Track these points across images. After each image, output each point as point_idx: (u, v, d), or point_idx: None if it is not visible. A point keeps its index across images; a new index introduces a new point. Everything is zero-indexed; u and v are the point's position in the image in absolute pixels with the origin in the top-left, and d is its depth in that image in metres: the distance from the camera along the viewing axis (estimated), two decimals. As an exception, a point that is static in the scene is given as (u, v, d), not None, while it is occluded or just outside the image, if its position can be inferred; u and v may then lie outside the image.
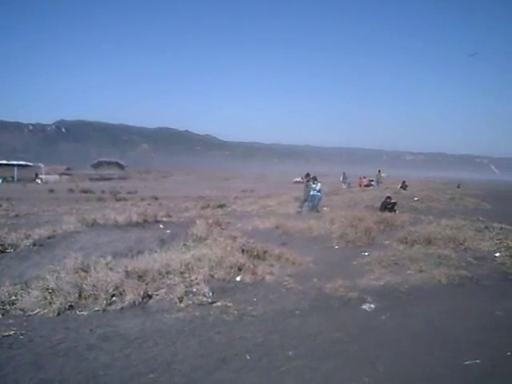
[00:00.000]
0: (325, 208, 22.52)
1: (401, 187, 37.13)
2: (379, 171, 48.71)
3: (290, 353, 5.38)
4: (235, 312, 6.97)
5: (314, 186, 22.26)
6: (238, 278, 8.68)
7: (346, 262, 10.58)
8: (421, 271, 9.25)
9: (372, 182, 50.28)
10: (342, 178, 54.27)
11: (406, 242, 11.95)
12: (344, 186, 50.59)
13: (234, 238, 11.09)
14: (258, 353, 5.41)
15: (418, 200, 27.03)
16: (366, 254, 11.18)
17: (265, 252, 10.32)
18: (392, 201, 21.95)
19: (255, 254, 10.08)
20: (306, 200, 22.34)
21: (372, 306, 7.23)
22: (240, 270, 8.93)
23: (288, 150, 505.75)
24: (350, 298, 7.56)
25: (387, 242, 12.44)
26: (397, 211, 20.50)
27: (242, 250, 10.03)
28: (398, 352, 5.45)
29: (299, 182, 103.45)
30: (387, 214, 17.17)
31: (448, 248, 11.19)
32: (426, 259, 10.03)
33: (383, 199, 22.47)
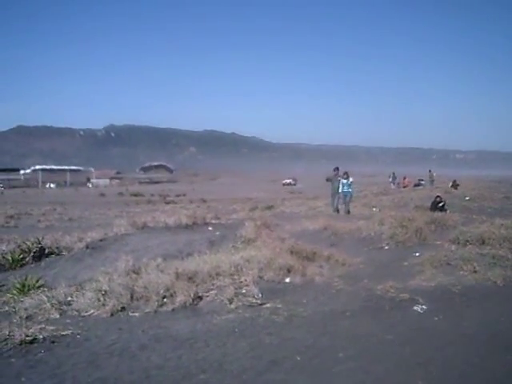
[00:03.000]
0: (374, 208, 22.22)
1: (451, 186, 36.44)
2: (430, 171, 47.90)
3: (341, 354, 5.32)
4: (285, 313, 6.94)
5: (344, 181, 21.12)
6: (288, 280, 8.66)
7: (396, 263, 10.42)
8: (474, 272, 8.98)
9: (421, 182, 49.44)
10: (390, 178, 53.49)
11: (458, 242, 11.64)
12: (393, 185, 49.96)
13: (283, 240, 11.10)
14: (308, 354, 5.37)
15: (469, 199, 26.41)
16: (417, 254, 10.98)
17: (314, 253, 10.28)
18: (442, 200, 21.50)
19: (304, 255, 10.05)
20: (333, 197, 21.52)
21: (424, 307, 7.08)
22: (289, 271, 8.91)
23: (335, 151, 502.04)
24: (401, 299, 7.41)
25: (438, 243, 12.16)
26: (448, 211, 20.04)
27: (291, 252, 10.02)
28: (453, 355, 5.31)
29: (288, 184, 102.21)
30: (438, 214, 16.78)
31: (503, 248, 10.80)
32: (479, 260, 9.75)
33: (433, 199, 22.03)
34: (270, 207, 26.00)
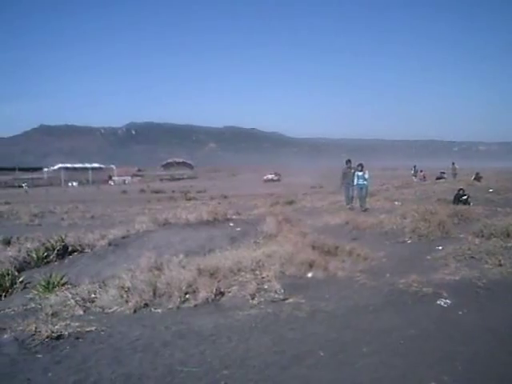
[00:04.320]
0: (396, 202, 21.99)
1: (474, 179, 35.98)
2: (453, 163, 47.38)
3: (364, 349, 5.29)
4: (307, 308, 6.93)
5: (359, 173, 20.13)
6: (310, 275, 8.64)
7: (419, 257, 10.32)
8: (499, 265, 8.82)
9: (443, 175, 48.94)
10: (412, 171, 53.02)
11: (483, 236, 11.48)
12: (415, 179, 49.55)
13: (305, 235, 11.07)
14: (331, 349, 5.35)
15: (493, 191, 26.02)
16: (440, 248, 10.86)
17: (336, 248, 10.24)
18: (465, 193, 21.25)
19: (326, 249, 10.02)
20: (347, 192, 20.66)
21: (448, 301, 6.99)
22: (311, 266, 8.88)
23: (356, 145, 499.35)
24: (424, 293, 7.32)
25: (462, 236, 12.01)
26: (471, 203, 19.81)
27: (313, 247, 9.99)
28: (478, 350, 5.24)
29: (271, 180, 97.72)
30: (461, 207, 16.61)
31: (529, 241, 10.64)
32: (504, 253, 9.59)
33: (456, 192, 21.78)
34: (290, 202, 25.92)
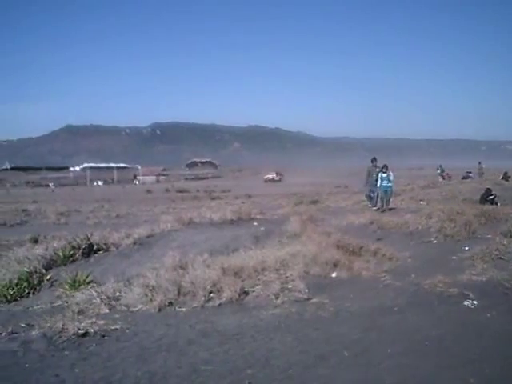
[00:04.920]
0: (421, 202, 21.77)
1: (502, 178, 35.50)
2: (479, 163, 46.78)
3: (389, 350, 5.25)
4: (332, 308, 6.91)
5: (383, 175, 19.47)
6: (334, 275, 8.61)
7: (445, 257, 10.19)
8: (529, 266, 8.70)
9: (470, 174, 48.39)
10: (438, 171, 52.49)
11: (511, 236, 11.32)
12: (440, 178, 49.09)
13: (329, 234, 11.04)
14: (355, 349, 5.32)
15: None
16: (467, 248, 10.72)
17: (360, 248, 10.19)
18: (493, 193, 20.94)
19: (350, 249, 9.98)
20: (371, 191, 20.13)
21: (475, 302, 6.90)
22: (335, 266, 8.85)
23: (380, 144, 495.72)
24: (450, 294, 7.24)
25: (489, 236, 11.82)
26: (498, 204, 19.50)
27: (337, 246, 9.96)
28: (506, 353, 5.15)
29: (272, 180, 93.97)
30: (488, 207, 16.36)
31: (559, 242, 10.43)
32: (534, 254, 9.44)
33: (483, 191, 21.48)
34: (315, 202, 25.84)
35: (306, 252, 9.22)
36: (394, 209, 19.10)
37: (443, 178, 48.82)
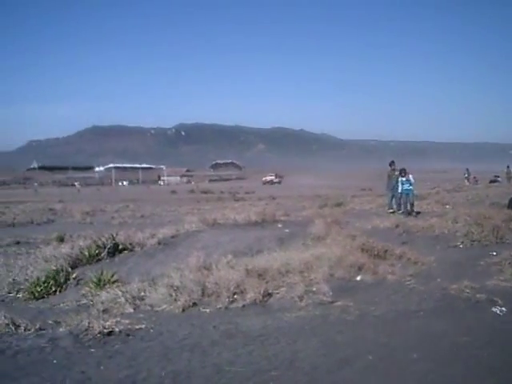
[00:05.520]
0: (447, 206, 21.50)
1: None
2: (508, 167, 46.11)
3: (415, 355, 5.18)
4: (356, 312, 6.87)
5: (403, 179, 19.06)
6: (359, 278, 8.56)
7: (471, 262, 10.03)
8: (560, 273, 8.52)
9: (497, 178, 47.77)
10: (465, 175, 51.84)
11: (541, 242, 11.09)
12: (467, 182, 48.54)
13: (354, 237, 10.97)
14: (380, 354, 5.26)
15: None
16: (494, 253, 10.53)
17: (385, 251, 10.10)
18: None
19: (375, 253, 9.89)
20: (393, 196, 19.82)
21: (503, 309, 6.76)
22: (360, 269, 8.80)
23: (405, 147, 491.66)
24: (477, 299, 7.13)
25: (518, 242, 11.63)
26: (528, 208, 19.14)
27: (362, 249, 9.89)
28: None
29: (270, 182, 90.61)
30: (517, 212, 16.06)
31: None
32: None
33: (511, 196, 21.10)
34: (339, 204, 25.68)
35: (331, 255, 9.19)
36: (419, 213, 18.89)
37: (469, 182, 48.31)
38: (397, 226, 14.42)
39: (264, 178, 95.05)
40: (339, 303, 7.32)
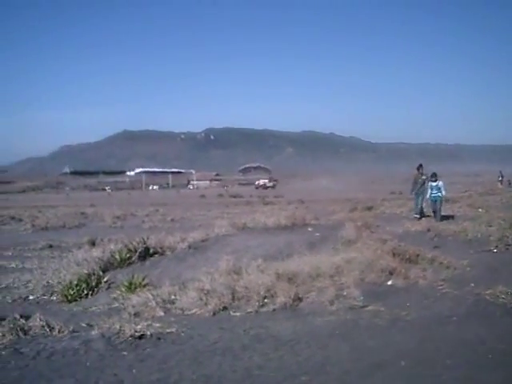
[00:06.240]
0: (480, 209, 21.16)
1: None
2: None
3: (448, 361, 5.09)
4: (388, 316, 6.80)
5: (433, 184, 18.60)
6: (390, 282, 8.48)
7: (506, 267, 9.80)
8: None
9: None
10: (499, 178, 50.95)
11: None
12: (500, 185, 47.73)
13: (384, 241, 10.87)
14: (413, 359, 5.19)
15: None
16: (530, 258, 10.33)
17: (417, 255, 9.96)
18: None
19: (407, 257, 9.77)
20: (418, 200, 19.21)
21: (541, 316, 6.62)
22: (391, 273, 8.71)
23: (437, 150, 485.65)
24: (513, 305, 7.01)
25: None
26: None
27: (393, 254, 9.78)
28: None
29: (262, 186, 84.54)
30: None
31: None
32: None
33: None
34: (369, 208, 25.50)
35: (362, 259, 9.12)
36: (451, 217, 18.63)
37: (502, 185, 47.55)
38: (428, 230, 14.27)
39: (257, 182, 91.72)
40: (370, 308, 7.25)
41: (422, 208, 19.34)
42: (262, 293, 7.64)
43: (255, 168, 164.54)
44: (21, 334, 6.00)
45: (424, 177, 19.43)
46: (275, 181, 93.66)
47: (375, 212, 23.52)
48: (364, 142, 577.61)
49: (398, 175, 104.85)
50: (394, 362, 5.17)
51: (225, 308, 7.47)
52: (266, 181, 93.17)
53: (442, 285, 8.40)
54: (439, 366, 4.99)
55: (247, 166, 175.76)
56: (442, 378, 4.73)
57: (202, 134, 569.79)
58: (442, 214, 18.51)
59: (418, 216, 18.76)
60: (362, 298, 7.57)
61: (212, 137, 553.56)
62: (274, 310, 7.35)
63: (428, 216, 18.77)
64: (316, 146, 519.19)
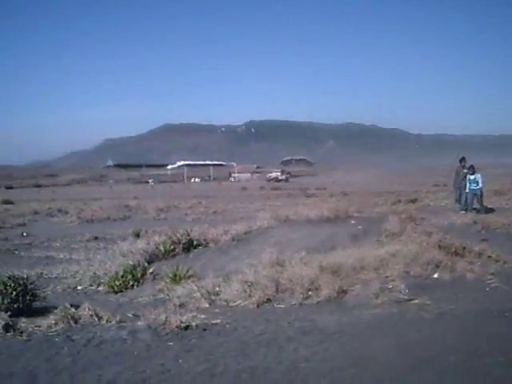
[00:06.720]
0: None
1: None
2: None
3: (501, 359, 4.91)
4: (434, 310, 6.67)
5: (471, 177, 18.47)
6: (436, 276, 8.31)
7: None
8: None
9: None
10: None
11: None
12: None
13: (429, 234, 10.67)
14: (462, 355, 5.04)
15: None
16: None
17: (463, 248, 9.73)
18: None
19: (453, 250, 9.57)
20: (461, 194, 18.99)
21: None
22: (437, 266, 8.53)
23: (483, 141, 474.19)
24: None
25: None
26: None
27: (439, 246, 9.59)
28: None
29: (274, 179, 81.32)
30: None
31: None
32: None
33: None
34: (413, 200, 25.16)
35: (406, 252, 8.98)
36: (499, 209, 18.22)
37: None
38: (475, 223, 13.99)
39: (269, 175, 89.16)
40: (416, 301, 7.13)
41: (466, 200, 18.90)
42: (305, 285, 7.61)
43: (297, 160, 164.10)
44: (72, 322, 6.21)
45: (465, 170, 19.19)
46: (288, 174, 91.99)
47: (419, 204, 23.21)
48: (407, 133, 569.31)
49: (441, 167, 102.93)
50: (442, 357, 5.05)
51: (269, 300, 7.47)
52: (279, 173, 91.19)
53: (490, 279, 8.18)
54: (491, 363, 4.83)
55: (289, 158, 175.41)
56: (494, 376, 4.59)
57: (243, 127, 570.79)
58: (488, 206, 18.15)
59: (464, 209, 18.41)
60: (407, 291, 7.47)
61: (252, 129, 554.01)
62: (318, 302, 7.32)
63: (474, 209, 18.38)
64: (357, 138, 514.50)
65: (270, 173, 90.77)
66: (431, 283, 8.05)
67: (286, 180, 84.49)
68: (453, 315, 6.52)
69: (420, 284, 7.91)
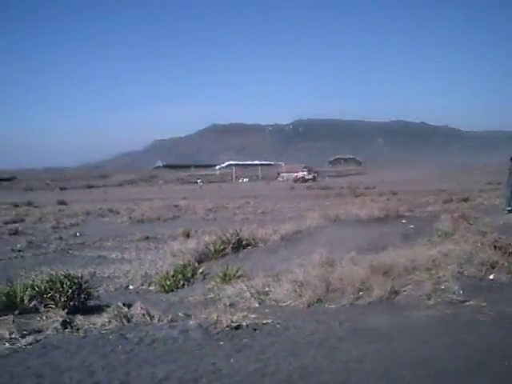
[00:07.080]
0: None
1: None
2: None
3: None
4: (491, 313, 6.47)
5: None
6: (491, 276, 8.08)
7: None
8: None
9: None
10: None
11: None
12: None
13: (484, 233, 10.39)
14: (521, 360, 4.89)
15: None
16: None
17: (521, 248, 9.45)
18: None
19: (510, 250, 9.30)
20: (508, 191, 17.53)
21: None
22: (493, 267, 8.29)
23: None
24: None
25: None
26: None
27: (494, 247, 9.33)
28: None
29: (301, 179, 77.07)
30: None
31: None
32: None
33: None
34: (465, 199, 24.63)
35: (460, 252, 8.77)
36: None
37: None
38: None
39: (295, 175, 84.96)
40: (471, 303, 6.96)
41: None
42: (356, 285, 7.54)
43: (345, 159, 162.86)
44: (124, 320, 6.33)
45: None
46: (316, 173, 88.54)
47: (472, 203, 22.67)
48: (457, 130, 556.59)
49: (496, 165, 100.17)
50: (500, 362, 4.89)
51: (319, 300, 7.43)
52: (305, 173, 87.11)
53: (553, 281, 7.90)
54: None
55: (337, 157, 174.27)
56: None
57: (290, 126, 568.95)
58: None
59: (509, 209, 17.70)
60: (461, 292, 7.28)
61: (300, 128, 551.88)
62: (370, 303, 7.24)
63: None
64: (406, 136, 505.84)
65: (296, 172, 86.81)
66: (486, 284, 7.83)
67: (314, 179, 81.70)
68: (511, 318, 6.32)
69: (475, 285, 7.71)
